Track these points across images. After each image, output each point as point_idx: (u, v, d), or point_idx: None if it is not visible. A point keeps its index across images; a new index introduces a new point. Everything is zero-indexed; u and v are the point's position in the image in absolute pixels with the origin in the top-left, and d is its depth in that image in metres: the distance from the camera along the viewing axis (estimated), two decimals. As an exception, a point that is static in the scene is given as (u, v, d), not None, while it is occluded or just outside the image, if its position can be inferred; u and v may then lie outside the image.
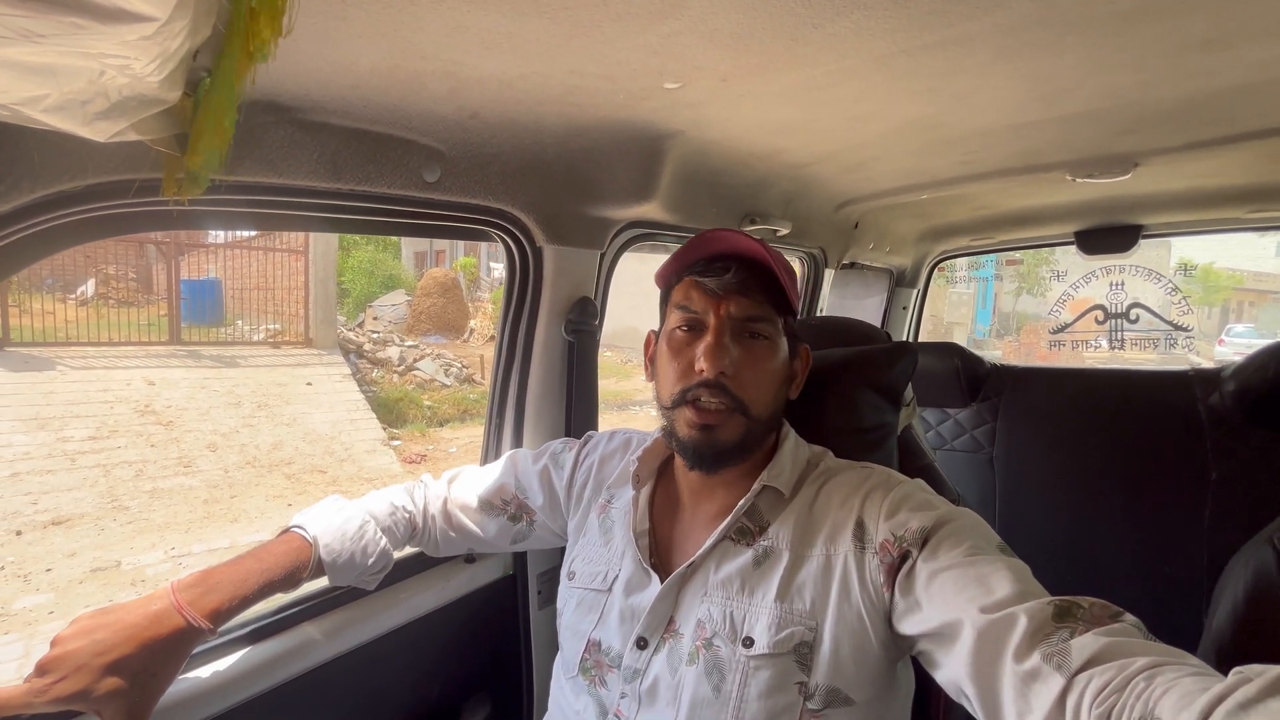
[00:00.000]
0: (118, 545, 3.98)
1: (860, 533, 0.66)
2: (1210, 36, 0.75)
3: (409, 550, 1.12)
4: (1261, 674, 0.38)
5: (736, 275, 0.70)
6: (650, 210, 1.13)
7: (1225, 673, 0.63)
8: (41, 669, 0.59)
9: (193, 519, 4.41)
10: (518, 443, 1.19)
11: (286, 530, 0.79)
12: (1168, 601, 1.38)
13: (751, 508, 0.72)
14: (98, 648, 0.59)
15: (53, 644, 0.60)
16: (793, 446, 0.77)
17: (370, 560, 0.81)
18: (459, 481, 0.96)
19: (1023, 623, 0.50)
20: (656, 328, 0.81)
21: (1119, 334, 2.35)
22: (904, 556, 0.61)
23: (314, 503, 0.84)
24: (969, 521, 0.63)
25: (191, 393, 6.06)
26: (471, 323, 10.60)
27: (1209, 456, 1.38)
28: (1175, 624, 1.36)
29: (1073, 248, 2.12)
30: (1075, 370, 1.83)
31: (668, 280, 0.79)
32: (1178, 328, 2.48)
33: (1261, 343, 1.40)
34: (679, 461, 0.78)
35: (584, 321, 1.17)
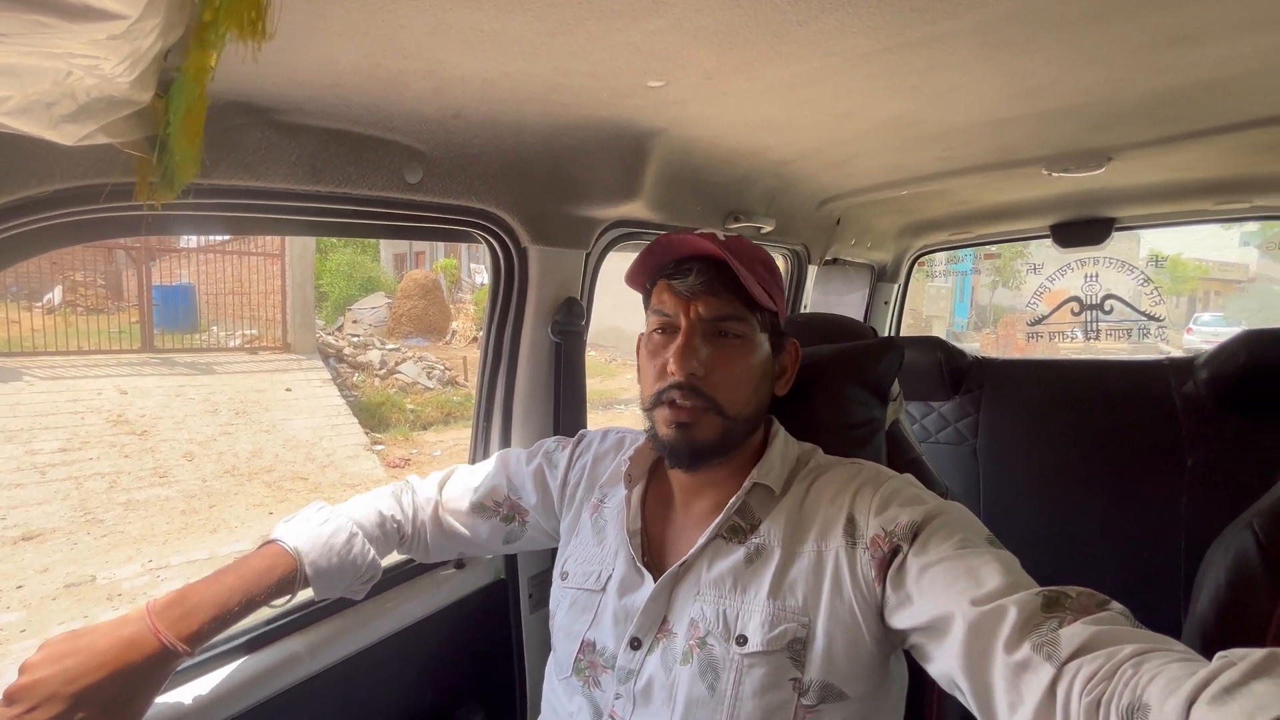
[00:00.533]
0: (92, 559, 3.87)
1: (851, 528, 0.66)
2: (1179, 34, 0.76)
3: (397, 557, 1.10)
4: (1245, 657, 0.39)
5: (700, 276, 0.70)
6: (635, 209, 1.13)
7: (1210, 657, 0.65)
8: (9, 698, 0.56)
9: (170, 530, 4.31)
10: (506, 445, 1.18)
11: (268, 542, 0.77)
12: (1148, 586, 1.41)
13: (742, 505, 0.72)
14: (68, 675, 0.57)
15: (20, 671, 0.58)
16: (782, 444, 0.77)
17: (358, 571, 0.79)
18: (450, 484, 0.94)
19: (1012, 614, 0.51)
20: (642, 325, 0.81)
21: (1094, 325, 2.40)
22: (894, 551, 0.62)
23: (295, 511, 0.82)
24: (958, 515, 0.63)
25: (166, 401, 5.92)
26: (454, 324, 10.50)
27: (1184, 444, 1.42)
28: (1156, 608, 1.39)
29: (1048, 241, 2.16)
30: (1054, 361, 1.86)
31: (643, 285, 0.79)
32: (1151, 318, 2.54)
33: (1227, 330, 1.44)
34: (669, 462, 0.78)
35: (570, 322, 1.16)
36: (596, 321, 1.31)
